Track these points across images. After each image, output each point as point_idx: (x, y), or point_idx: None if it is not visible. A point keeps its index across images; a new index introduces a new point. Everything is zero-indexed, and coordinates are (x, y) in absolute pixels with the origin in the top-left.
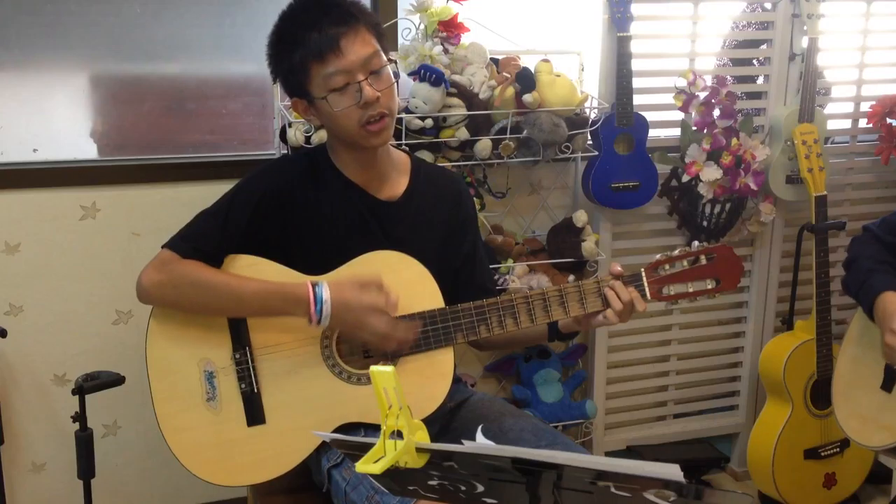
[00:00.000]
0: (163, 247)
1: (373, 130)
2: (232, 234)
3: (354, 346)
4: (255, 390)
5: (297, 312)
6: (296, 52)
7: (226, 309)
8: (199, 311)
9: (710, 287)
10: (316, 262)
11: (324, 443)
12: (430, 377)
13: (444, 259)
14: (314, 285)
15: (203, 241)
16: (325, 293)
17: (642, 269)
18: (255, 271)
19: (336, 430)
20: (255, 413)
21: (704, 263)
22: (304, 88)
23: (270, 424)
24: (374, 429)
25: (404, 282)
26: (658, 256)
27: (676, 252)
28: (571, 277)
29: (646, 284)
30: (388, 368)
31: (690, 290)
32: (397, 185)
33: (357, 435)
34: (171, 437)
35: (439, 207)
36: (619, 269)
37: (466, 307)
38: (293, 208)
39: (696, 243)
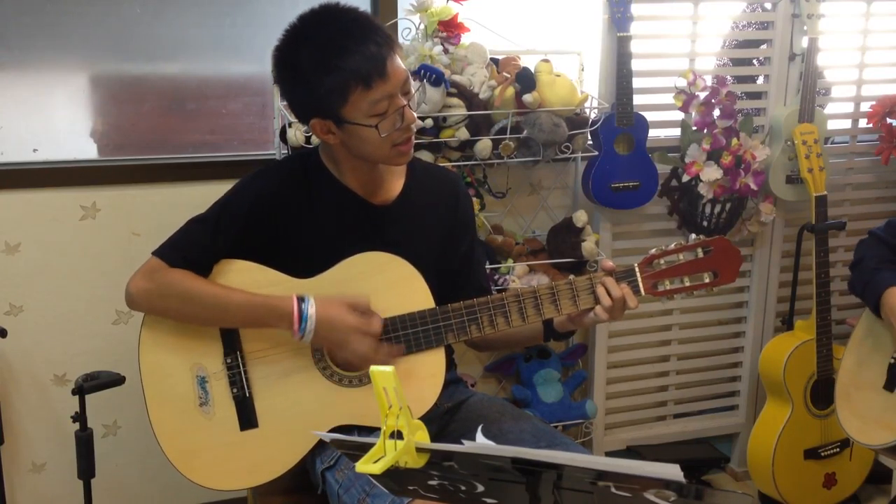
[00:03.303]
0: (153, 253)
1: (403, 151)
2: (223, 242)
3: None
4: (247, 395)
5: (281, 326)
6: (330, 76)
7: (211, 320)
8: (184, 321)
9: (707, 280)
10: (308, 265)
11: (318, 445)
12: (421, 379)
13: (441, 260)
14: (300, 300)
15: (192, 249)
16: (311, 309)
17: (636, 265)
18: (247, 277)
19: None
20: (247, 417)
21: (701, 256)
22: (333, 111)
23: (263, 428)
24: (367, 431)
25: (394, 282)
26: (653, 251)
27: (672, 246)
28: (571, 277)
29: (639, 280)
30: (389, 368)
31: (687, 283)
32: (393, 187)
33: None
34: (166, 443)
35: (436, 209)
36: (611, 264)
37: (457, 307)
38: (285, 213)
39: (692, 236)
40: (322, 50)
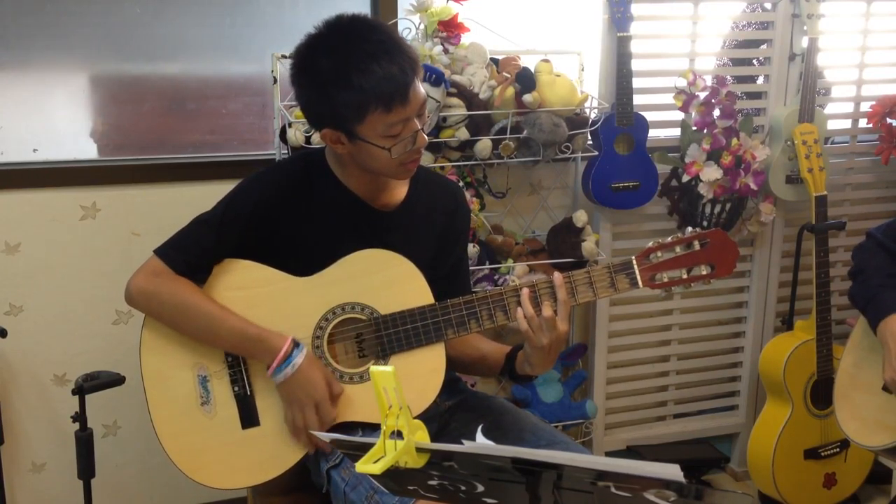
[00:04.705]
0: (155, 252)
1: (409, 168)
2: (225, 242)
3: (348, 346)
4: (249, 393)
5: (264, 360)
6: (350, 93)
7: (200, 337)
8: (175, 330)
9: (705, 272)
10: (308, 265)
11: None
12: (421, 375)
13: (434, 268)
14: (295, 344)
15: (194, 252)
16: (299, 358)
17: (633, 257)
18: (247, 275)
19: (332, 430)
20: (248, 415)
21: (698, 249)
22: (348, 126)
23: (264, 426)
24: (371, 428)
25: (394, 279)
26: (650, 243)
27: (669, 239)
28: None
29: (637, 272)
30: (389, 368)
31: (684, 276)
32: (396, 194)
33: (355, 435)
34: (168, 443)
35: (434, 218)
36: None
37: (456, 302)
38: (286, 215)
39: (689, 229)
40: (346, 65)
